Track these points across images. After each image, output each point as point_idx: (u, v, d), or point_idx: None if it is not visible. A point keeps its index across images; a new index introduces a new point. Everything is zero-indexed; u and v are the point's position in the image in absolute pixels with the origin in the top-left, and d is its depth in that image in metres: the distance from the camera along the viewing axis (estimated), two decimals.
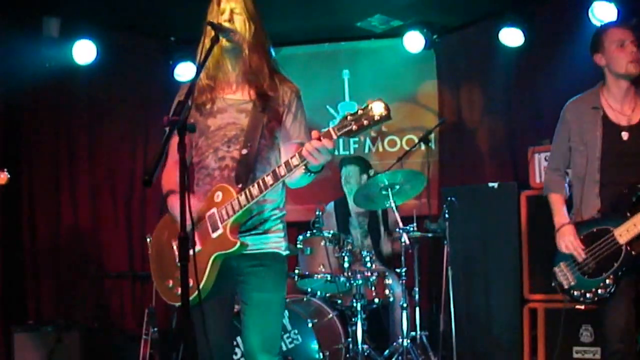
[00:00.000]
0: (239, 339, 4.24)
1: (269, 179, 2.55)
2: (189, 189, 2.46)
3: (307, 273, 4.67)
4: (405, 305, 4.70)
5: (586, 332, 4.44)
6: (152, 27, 5.99)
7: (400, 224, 4.69)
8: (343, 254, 4.65)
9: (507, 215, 4.88)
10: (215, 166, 2.73)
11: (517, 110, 5.76)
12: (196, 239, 2.64)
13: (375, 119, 2.34)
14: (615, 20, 4.71)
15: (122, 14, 5.61)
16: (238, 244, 2.60)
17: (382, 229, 5.47)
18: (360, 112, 2.36)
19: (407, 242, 4.64)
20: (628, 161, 3.24)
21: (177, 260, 2.54)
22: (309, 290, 4.82)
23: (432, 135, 5.49)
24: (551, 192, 3.51)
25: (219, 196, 2.65)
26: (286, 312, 4.42)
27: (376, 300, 4.79)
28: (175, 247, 2.73)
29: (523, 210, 4.83)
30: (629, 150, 3.26)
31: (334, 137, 2.41)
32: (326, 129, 2.42)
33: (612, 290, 3.16)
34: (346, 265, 4.63)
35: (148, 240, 2.94)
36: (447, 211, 4.82)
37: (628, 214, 3.16)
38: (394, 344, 4.80)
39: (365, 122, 2.35)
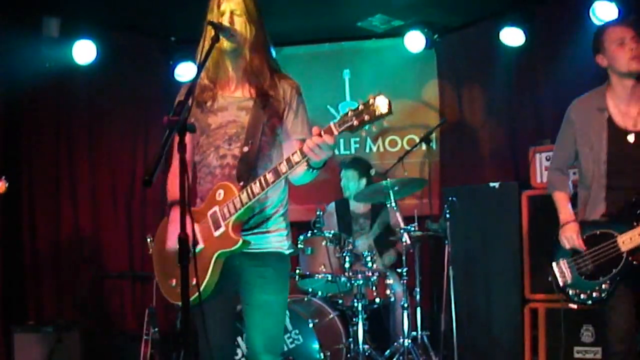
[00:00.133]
0: (239, 339, 4.24)
1: (270, 176, 2.53)
2: (191, 190, 2.45)
3: (308, 273, 4.66)
4: (406, 305, 4.70)
5: (587, 332, 4.43)
6: (152, 27, 5.98)
7: (402, 224, 4.69)
8: (344, 254, 4.64)
9: (508, 215, 4.87)
10: (217, 164, 2.72)
11: (518, 110, 5.75)
12: (198, 237, 2.63)
13: (377, 113, 2.31)
14: (615, 18, 4.68)
15: (122, 14, 5.61)
16: (240, 241, 2.58)
17: (383, 231, 5.47)
18: (361, 107, 2.33)
19: (409, 241, 4.63)
20: (636, 166, 3.19)
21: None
22: (310, 290, 4.81)
23: (433, 135, 5.49)
24: (555, 189, 3.48)
25: (220, 194, 2.64)
26: (287, 312, 4.40)
27: (377, 300, 4.78)
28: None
29: (524, 210, 4.82)
30: (635, 154, 3.20)
31: (335, 133, 2.38)
32: (327, 125, 2.39)
33: (607, 295, 3.13)
34: (347, 265, 4.61)
35: (148, 240, 2.93)
36: (448, 211, 4.81)
37: (635, 223, 3.10)
38: (395, 344, 4.80)
39: (367, 117, 2.32)
